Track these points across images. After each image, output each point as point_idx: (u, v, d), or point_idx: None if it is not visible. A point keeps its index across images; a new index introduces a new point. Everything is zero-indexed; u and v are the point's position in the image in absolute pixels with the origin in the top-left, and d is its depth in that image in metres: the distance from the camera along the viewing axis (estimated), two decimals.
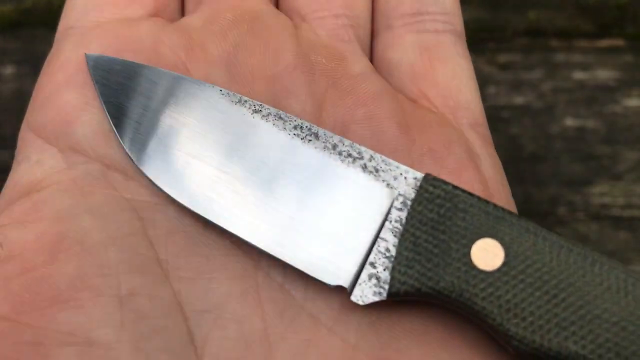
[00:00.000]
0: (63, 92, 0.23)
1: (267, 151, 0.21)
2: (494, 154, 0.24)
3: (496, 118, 0.39)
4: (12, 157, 0.38)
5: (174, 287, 0.20)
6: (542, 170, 0.38)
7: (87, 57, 0.23)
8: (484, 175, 0.23)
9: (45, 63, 0.24)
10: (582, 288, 0.17)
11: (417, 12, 0.24)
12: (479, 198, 0.19)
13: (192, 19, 0.24)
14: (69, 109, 0.23)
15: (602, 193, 0.38)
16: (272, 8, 0.25)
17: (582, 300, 0.17)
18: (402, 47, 0.24)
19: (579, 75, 0.40)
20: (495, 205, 0.19)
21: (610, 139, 0.39)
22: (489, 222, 0.18)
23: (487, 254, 0.18)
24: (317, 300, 0.20)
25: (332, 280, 0.20)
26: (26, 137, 0.23)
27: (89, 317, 0.19)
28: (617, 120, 0.39)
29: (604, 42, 0.40)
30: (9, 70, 0.40)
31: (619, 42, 0.40)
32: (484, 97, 0.40)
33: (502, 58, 0.40)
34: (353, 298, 0.19)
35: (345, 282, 0.19)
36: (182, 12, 0.25)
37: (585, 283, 0.17)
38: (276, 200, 0.20)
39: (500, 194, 0.23)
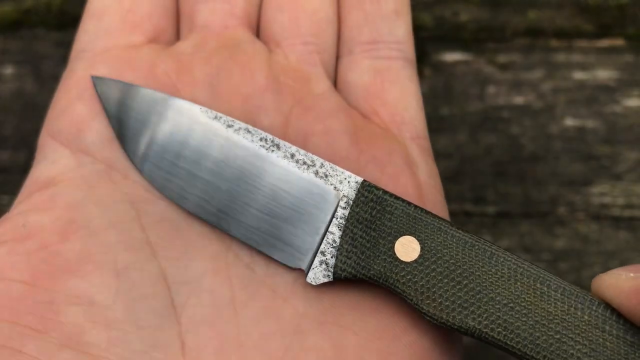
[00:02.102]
0: (76, 104, 0.27)
1: (237, 158, 0.25)
2: (432, 163, 0.28)
3: (496, 118, 0.39)
4: (12, 157, 0.38)
5: (161, 264, 0.25)
6: (542, 170, 0.38)
7: (93, 78, 0.27)
8: (419, 181, 0.27)
9: (62, 80, 0.29)
10: (480, 276, 0.22)
11: (374, 41, 0.29)
12: (402, 201, 0.24)
13: (184, 45, 0.29)
14: (81, 119, 0.27)
15: (602, 193, 0.38)
16: (250, 36, 0.29)
17: (480, 286, 0.22)
18: (359, 70, 0.29)
19: (579, 75, 0.40)
20: (415, 207, 0.23)
21: (610, 139, 0.39)
22: (409, 222, 0.23)
23: (407, 249, 0.23)
24: (275, 277, 0.25)
25: (294, 264, 0.24)
26: (45, 141, 0.28)
27: (91, 284, 0.24)
28: (617, 120, 0.39)
29: (604, 42, 0.40)
30: (8, 70, 0.40)
31: (619, 42, 0.40)
32: (484, 96, 0.40)
33: (502, 58, 0.40)
34: (308, 280, 0.24)
35: (303, 266, 0.24)
36: (178, 37, 0.30)
37: (483, 272, 0.22)
38: (247, 199, 0.25)
39: (434, 197, 0.27)
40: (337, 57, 0.30)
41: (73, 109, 0.27)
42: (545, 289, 0.21)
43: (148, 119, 0.26)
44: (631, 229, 0.37)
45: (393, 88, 0.28)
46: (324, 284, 0.25)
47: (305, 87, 0.28)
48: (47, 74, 0.40)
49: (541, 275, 0.22)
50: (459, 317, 0.22)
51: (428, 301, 0.22)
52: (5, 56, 0.40)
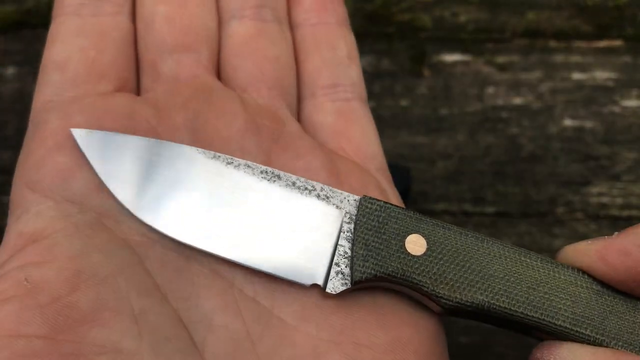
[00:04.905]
0: (55, 155, 0.27)
1: (243, 192, 0.27)
2: (394, 188, 0.31)
3: (495, 118, 0.39)
4: (14, 157, 0.38)
5: (173, 305, 0.25)
6: (540, 170, 0.38)
7: (73, 132, 0.27)
8: None
9: (32, 132, 0.28)
10: (478, 258, 0.26)
11: (333, 84, 0.32)
12: (402, 208, 0.27)
13: (156, 94, 0.29)
14: (63, 168, 0.27)
15: (600, 193, 0.38)
16: (219, 83, 0.30)
17: (480, 266, 0.26)
18: (324, 112, 0.31)
19: (577, 75, 0.40)
20: (414, 212, 0.27)
21: (609, 139, 0.39)
22: (413, 223, 0.26)
23: (416, 244, 0.26)
24: (282, 307, 0.26)
25: (310, 281, 0.26)
26: (22, 194, 0.27)
27: (113, 331, 0.24)
28: (616, 121, 0.39)
29: (603, 43, 0.40)
30: (10, 70, 0.40)
31: (617, 43, 0.40)
32: (483, 97, 0.40)
33: (501, 59, 0.40)
34: (327, 290, 0.26)
35: (319, 281, 0.26)
36: (139, 87, 0.30)
37: (479, 254, 0.26)
38: (257, 229, 0.26)
39: None
40: (299, 100, 0.32)
41: (54, 160, 0.27)
42: (529, 260, 0.26)
43: (142, 165, 0.27)
44: None
45: (355, 126, 0.31)
46: (332, 304, 0.26)
47: (280, 126, 0.30)
48: None
49: (522, 251, 0.26)
50: (470, 294, 0.26)
51: (442, 285, 0.26)
52: (6, 57, 0.40)
